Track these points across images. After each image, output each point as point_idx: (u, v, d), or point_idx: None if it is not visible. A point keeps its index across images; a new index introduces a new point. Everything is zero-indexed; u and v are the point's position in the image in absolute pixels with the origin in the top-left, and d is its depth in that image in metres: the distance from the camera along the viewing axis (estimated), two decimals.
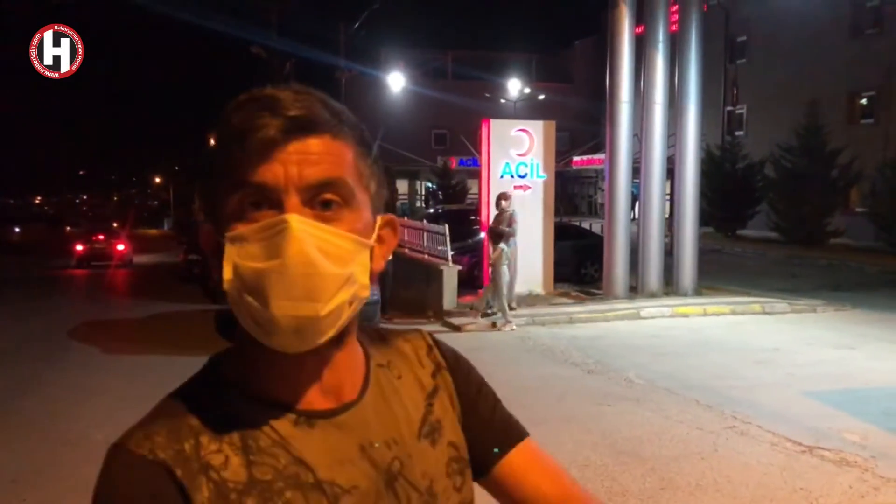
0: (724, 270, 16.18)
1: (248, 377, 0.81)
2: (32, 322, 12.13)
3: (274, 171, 0.74)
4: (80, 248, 24.83)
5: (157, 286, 18.05)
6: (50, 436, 5.91)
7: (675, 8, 13.43)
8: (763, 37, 29.99)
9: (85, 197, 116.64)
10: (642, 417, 6.16)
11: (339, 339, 0.79)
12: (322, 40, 28.35)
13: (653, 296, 12.27)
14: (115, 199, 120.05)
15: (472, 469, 0.94)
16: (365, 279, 0.78)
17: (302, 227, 0.72)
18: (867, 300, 12.34)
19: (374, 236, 0.81)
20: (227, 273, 0.75)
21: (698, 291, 12.63)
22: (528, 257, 12.42)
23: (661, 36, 12.61)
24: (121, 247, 25.29)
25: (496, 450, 0.96)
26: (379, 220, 0.83)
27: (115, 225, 37.68)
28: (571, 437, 5.62)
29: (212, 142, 0.79)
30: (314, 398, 0.81)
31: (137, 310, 13.16)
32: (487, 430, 0.96)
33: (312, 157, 0.75)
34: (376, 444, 0.83)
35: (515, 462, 0.96)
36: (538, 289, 12.52)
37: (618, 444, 5.47)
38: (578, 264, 14.56)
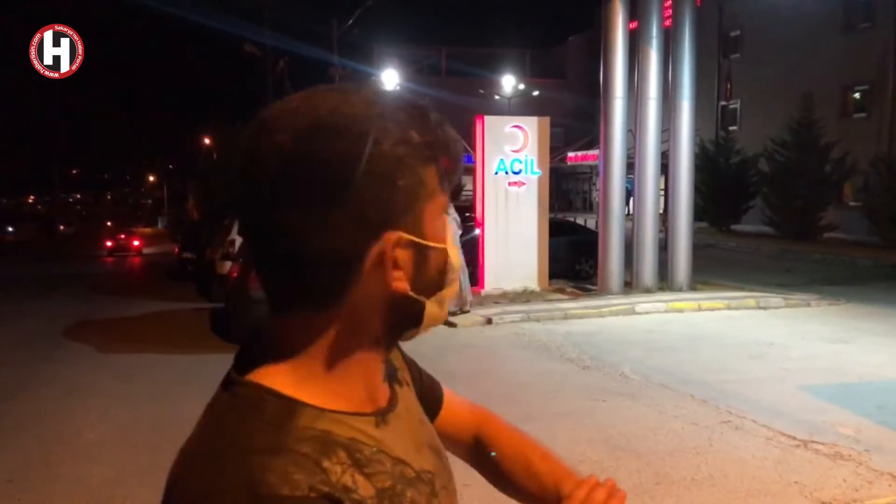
0: (718, 265, 16.22)
1: (307, 392, 0.75)
2: (27, 322, 12.09)
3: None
4: (109, 242, 33.15)
5: (151, 284, 18.01)
6: (44, 435, 5.90)
7: (669, 3, 13.43)
8: (756, 31, 30.04)
9: (78, 196, 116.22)
10: (637, 413, 6.17)
11: None
12: (315, 37, 28.34)
13: (647, 291, 12.29)
14: (109, 198, 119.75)
15: None
16: None
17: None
18: (861, 294, 12.39)
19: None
20: (454, 260, 0.80)
21: (693, 286, 12.66)
22: (523, 254, 12.44)
23: (654, 31, 12.62)
24: (136, 242, 33.58)
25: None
26: None
27: (133, 228, 46.91)
28: (566, 432, 5.63)
29: None
30: (377, 399, 0.82)
31: (132, 308, 13.12)
32: (428, 393, 1.03)
33: None
34: (420, 426, 0.88)
35: (448, 410, 1.07)
36: (533, 285, 12.53)
37: (613, 440, 5.48)
38: (573, 260, 14.57)
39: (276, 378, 0.75)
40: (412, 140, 0.73)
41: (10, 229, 51.70)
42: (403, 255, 0.73)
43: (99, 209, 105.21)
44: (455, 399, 1.10)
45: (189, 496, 0.68)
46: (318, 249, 0.70)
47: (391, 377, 0.88)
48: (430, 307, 0.78)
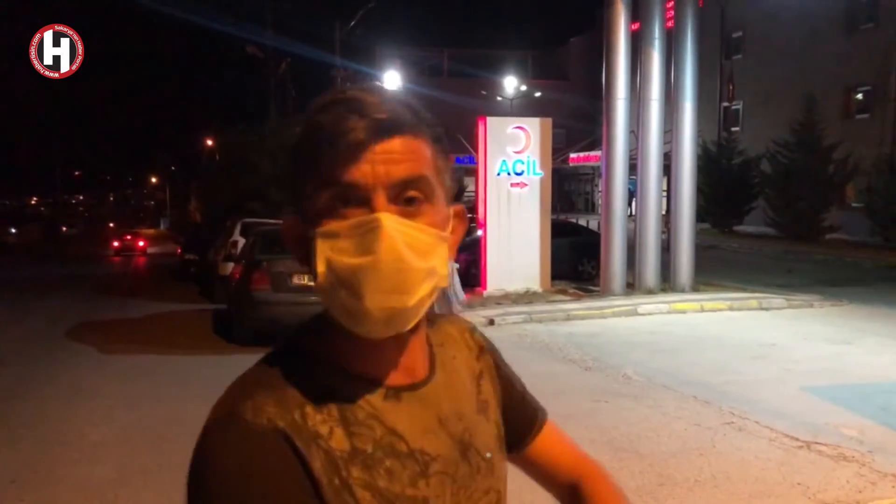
0: (720, 266, 16.20)
1: (333, 353, 0.85)
2: (30, 322, 12.11)
3: (363, 171, 0.78)
4: (116, 243, 35.80)
5: (154, 285, 18.03)
6: (47, 436, 5.90)
7: (671, 4, 13.43)
8: (758, 32, 30.03)
9: (81, 197, 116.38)
10: (640, 414, 6.16)
11: (415, 325, 0.85)
12: (317, 39, 28.31)
13: (650, 292, 12.28)
14: (111, 199, 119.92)
15: (507, 447, 1.03)
16: (444, 270, 0.83)
17: (393, 225, 0.77)
18: (863, 295, 12.37)
19: (450, 229, 0.86)
20: (321, 266, 0.79)
21: (695, 287, 12.65)
22: (525, 255, 12.44)
23: (656, 32, 12.62)
24: (141, 243, 36.46)
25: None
26: (451, 211, 0.88)
27: (138, 229, 50.02)
28: (569, 433, 5.59)
29: (299, 140, 0.85)
30: (395, 375, 0.87)
31: (134, 309, 13.14)
32: (522, 411, 1.07)
33: (397, 156, 0.79)
34: (450, 416, 0.90)
35: (545, 440, 1.09)
36: (535, 286, 12.53)
37: (615, 441, 5.47)
38: (576, 261, 14.57)
39: (309, 338, 0.86)
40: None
41: (13, 230, 51.88)
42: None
43: (101, 210, 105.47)
44: (562, 438, 1.12)
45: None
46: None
47: (444, 363, 0.94)
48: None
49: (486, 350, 1.04)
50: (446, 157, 0.87)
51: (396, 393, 0.85)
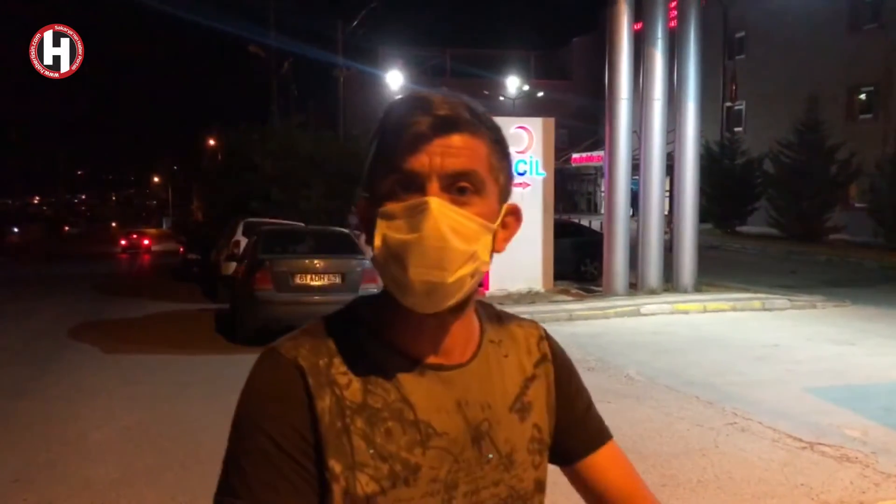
0: (723, 267, 16.18)
1: (379, 323, 0.96)
2: (33, 322, 12.11)
3: (421, 161, 0.88)
4: (123, 241, 40.08)
5: (156, 285, 18.04)
6: (50, 435, 5.90)
7: (674, 4, 13.42)
8: (761, 32, 29.98)
9: (83, 197, 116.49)
10: (643, 414, 6.15)
11: (458, 309, 0.93)
12: (320, 39, 28.34)
13: (653, 293, 12.27)
14: (114, 199, 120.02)
15: (559, 458, 1.08)
16: (486, 257, 0.91)
17: (439, 209, 0.86)
18: (867, 296, 12.34)
19: (499, 222, 0.95)
20: (378, 241, 0.89)
21: (698, 288, 12.63)
22: (527, 255, 12.42)
23: (659, 32, 12.61)
24: (146, 241, 40.30)
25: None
26: (504, 208, 0.97)
27: (144, 229, 54.07)
28: None
29: (375, 131, 0.95)
30: (428, 354, 0.95)
31: (136, 309, 13.14)
32: (580, 427, 1.10)
33: (453, 150, 0.88)
34: (472, 403, 0.96)
35: (599, 460, 1.10)
36: (538, 286, 12.52)
37: (618, 441, 5.36)
38: (578, 261, 14.56)
39: (364, 306, 0.99)
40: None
41: (16, 230, 51.99)
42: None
43: (104, 210, 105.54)
44: (621, 464, 1.12)
45: None
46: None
47: (489, 357, 1.00)
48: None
49: (550, 361, 1.09)
50: (504, 157, 0.96)
51: (422, 369, 0.94)
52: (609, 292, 12.30)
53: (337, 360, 0.92)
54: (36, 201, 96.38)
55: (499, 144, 0.95)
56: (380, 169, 0.91)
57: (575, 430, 1.09)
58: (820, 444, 5.31)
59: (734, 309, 11.25)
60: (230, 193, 21.90)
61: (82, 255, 35.90)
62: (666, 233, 13.23)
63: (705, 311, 11.21)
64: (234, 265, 12.48)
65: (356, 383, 0.91)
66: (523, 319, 1.12)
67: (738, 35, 31.67)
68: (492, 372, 1.00)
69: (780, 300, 11.62)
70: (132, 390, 7.24)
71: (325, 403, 0.89)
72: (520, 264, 12.35)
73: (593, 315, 10.84)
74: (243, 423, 0.91)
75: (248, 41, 26.94)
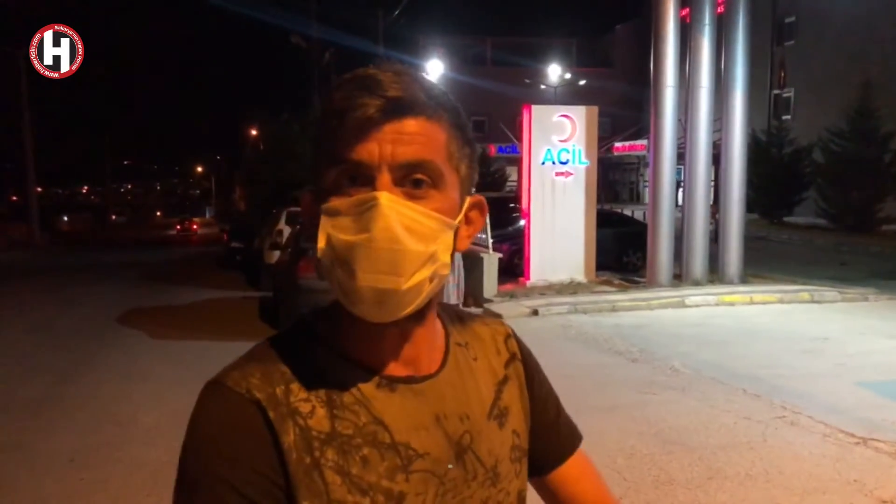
0: (770, 258, 15.84)
1: (337, 337, 0.85)
2: (84, 308, 12.46)
3: (369, 150, 0.76)
4: (178, 226, 49.52)
5: (201, 273, 18.37)
6: (102, 418, 6.07)
7: None
8: (812, 17, 29.15)
9: (129, 186, 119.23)
10: (688, 406, 6.06)
11: (419, 315, 0.83)
12: (361, 28, 28.42)
13: (697, 284, 12.08)
14: (158, 188, 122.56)
15: (530, 468, 0.98)
16: (446, 258, 0.80)
17: (390, 205, 0.75)
18: None
19: (461, 217, 0.84)
20: (322, 242, 0.78)
21: (744, 279, 12.40)
22: (569, 245, 12.33)
23: (706, 18, 12.35)
24: (195, 226, 49.90)
25: None
26: (467, 201, 0.85)
27: (193, 216, 61.45)
28: (616, 425, 5.56)
29: (317, 117, 0.84)
30: (395, 366, 0.85)
31: (182, 296, 13.41)
32: (552, 432, 1.02)
33: (406, 137, 0.77)
34: (450, 416, 0.86)
35: (571, 470, 1.02)
36: (580, 276, 12.42)
37: (663, 433, 5.39)
38: (620, 252, 14.41)
39: (317, 319, 0.87)
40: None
41: (66, 218, 53.58)
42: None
43: (148, 199, 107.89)
44: (590, 473, 1.05)
45: None
46: None
47: (459, 363, 0.91)
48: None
49: (520, 360, 1.00)
50: (465, 144, 0.84)
51: (391, 383, 0.83)
52: (653, 283, 12.15)
53: (295, 386, 0.80)
54: (84, 191, 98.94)
55: (459, 129, 0.83)
56: (322, 159, 0.80)
57: (548, 435, 1.00)
58: (873, 439, 5.17)
59: (782, 301, 11.01)
60: (272, 182, 22.18)
61: (129, 242, 36.75)
62: (711, 223, 13.00)
63: (752, 302, 11.00)
64: (277, 253, 12.65)
65: (320, 409, 0.80)
66: (486, 317, 1.03)
67: (788, 20, 30.84)
68: (464, 378, 0.90)
69: (830, 292, 11.34)
70: (180, 375, 7.40)
71: (289, 438, 0.78)
72: (561, 254, 12.28)
73: (637, 306, 10.71)
74: (195, 476, 0.77)
75: (290, 31, 27.20)
